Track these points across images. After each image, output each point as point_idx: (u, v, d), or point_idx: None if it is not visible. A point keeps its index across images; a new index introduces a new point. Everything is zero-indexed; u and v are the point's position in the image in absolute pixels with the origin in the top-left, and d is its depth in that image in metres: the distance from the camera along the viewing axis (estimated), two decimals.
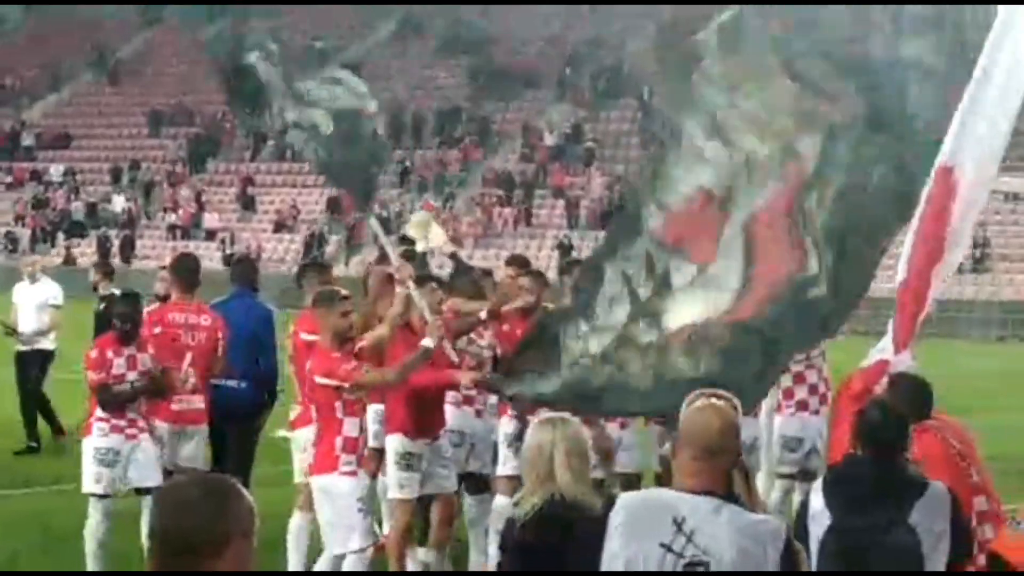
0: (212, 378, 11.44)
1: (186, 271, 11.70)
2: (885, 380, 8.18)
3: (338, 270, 36.18)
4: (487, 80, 63.11)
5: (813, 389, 12.00)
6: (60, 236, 59.83)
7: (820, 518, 6.27)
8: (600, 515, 6.09)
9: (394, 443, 10.55)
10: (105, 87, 71.44)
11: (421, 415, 10.49)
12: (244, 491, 3.91)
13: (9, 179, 64.54)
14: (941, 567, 6.22)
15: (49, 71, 71.60)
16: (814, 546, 6.28)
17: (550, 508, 6.02)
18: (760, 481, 12.22)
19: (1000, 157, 8.63)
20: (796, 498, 11.28)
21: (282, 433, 12.41)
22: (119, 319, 10.90)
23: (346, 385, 9.58)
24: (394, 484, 10.49)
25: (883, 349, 8.50)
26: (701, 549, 5.01)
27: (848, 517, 6.19)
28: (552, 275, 41.63)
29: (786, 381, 12.02)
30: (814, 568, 6.28)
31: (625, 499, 5.33)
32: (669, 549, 5.03)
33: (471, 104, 62.57)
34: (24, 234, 60.15)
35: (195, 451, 11.28)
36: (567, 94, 61.92)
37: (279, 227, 57.25)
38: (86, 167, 64.77)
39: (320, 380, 9.66)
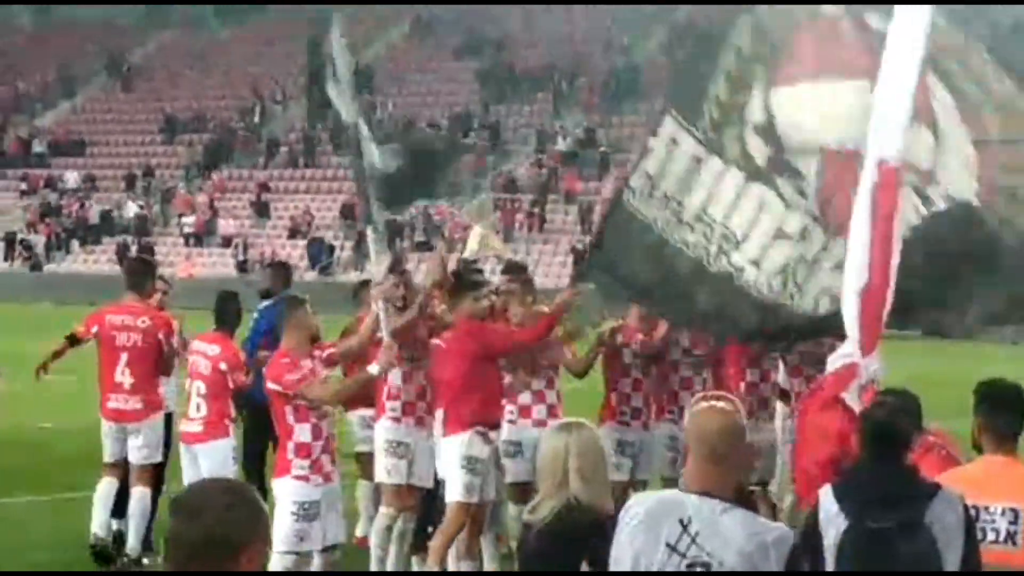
0: (164, 375, 12.00)
1: (129, 273, 12.27)
2: (855, 391, 8.21)
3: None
4: (498, 84, 63.20)
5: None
6: (75, 243, 59.96)
7: (835, 521, 6.26)
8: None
9: (459, 446, 10.60)
10: (118, 93, 71.62)
11: (488, 412, 10.66)
12: (258, 498, 3.94)
13: (23, 186, 64.67)
14: (954, 571, 6.21)
15: (62, 77, 71.81)
16: (829, 551, 6.27)
17: (566, 513, 6.03)
18: (775, 486, 12.26)
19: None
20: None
21: None
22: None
23: (290, 393, 9.80)
24: (461, 488, 10.52)
25: (848, 354, 8.47)
26: (705, 551, 5.05)
27: (865, 519, 6.17)
28: (566, 281, 40.99)
29: (800, 387, 12.10)
30: (830, 567, 6.28)
31: (640, 497, 5.40)
32: (674, 549, 5.08)
33: (482, 109, 62.64)
34: (39, 241, 60.28)
35: (142, 445, 11.73)
36: (578, 98, 61.95)
37: (293, 233, 57.35)
38: (99, 174, 64.89)
39: (270, 385, 9.87)
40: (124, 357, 11.61)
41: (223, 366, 11.31)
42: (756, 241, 9.00)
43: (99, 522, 11.56)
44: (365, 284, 13.00)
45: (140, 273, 12.13)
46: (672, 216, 9.04)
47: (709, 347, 11.81)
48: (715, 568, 5.04)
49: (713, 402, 5.41)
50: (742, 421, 5.39)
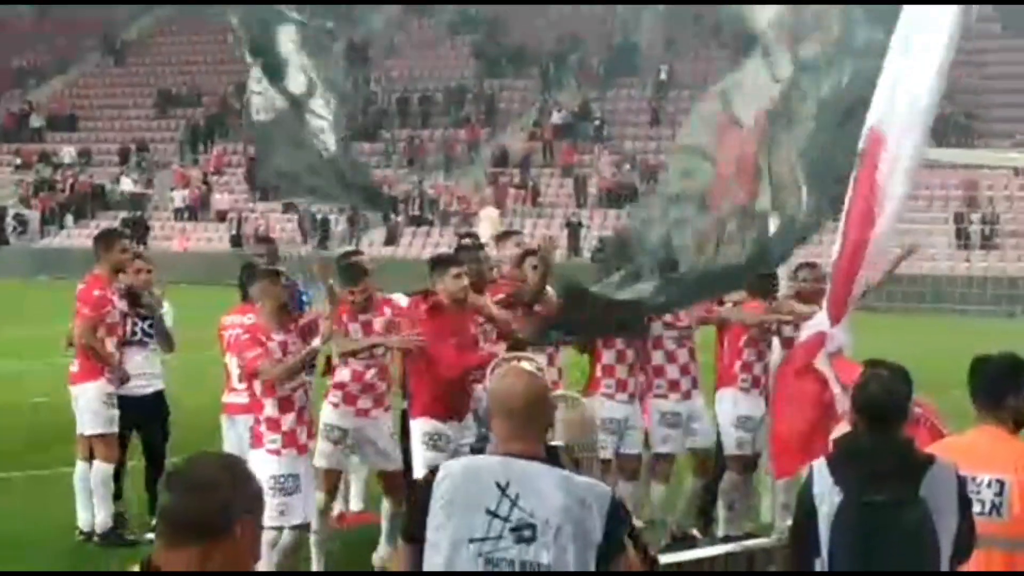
0: (78, 345, 11.84)
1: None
2: (824, 359, 8.23)
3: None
4: (493, 58, 63.10)
5: None
6: (70, 218, 59.87)
7: (830, 495, 6.27)
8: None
9: (421, 425, 10.66)
10: (112, 68, 71.45)
11: (448, 398, 10.61)
12: (251, 472, 3.95)
13: (18, 161, 64.56)
14: (949, 543, 6.23)
15: (56, 52, 71.60)
16: (823, 524, 6.29)
17: None
18: (765, 458, 12.30)
19: (926, 130, 8.65)
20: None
21: None
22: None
23: (248, 370, 9.98)
24: (420, 465, 10.50)
25: (819, 323, 8.52)
26: (527, 512, 5.05)
27: (861, 494, 6.18)
28: (561, 253, 40.90)
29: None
30: (824, 544, 6.31)
31: (448, 467, 5.30)
32: (495, 515, 5.06)
33: (477, 83, 62.55)
34: (34, 216, 60.19)
35: (78, 411, 11.79)
36: (575, 72, 61.87)
37: (288, 207, 57.28)
38: (94, 148, 64.80)
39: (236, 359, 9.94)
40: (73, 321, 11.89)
41: None
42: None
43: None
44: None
45: (101, 244, 12.15)
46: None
47: (691, 318, 11.78)
48: (539, 528, 5.03)
49: (514, 363, 5.45)
50: (544, 379, 5.39)
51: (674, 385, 11.83)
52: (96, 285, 11.79)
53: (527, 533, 5.03)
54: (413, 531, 5.21)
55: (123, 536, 11.64)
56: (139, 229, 55.86)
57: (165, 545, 3.82)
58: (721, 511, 11.95)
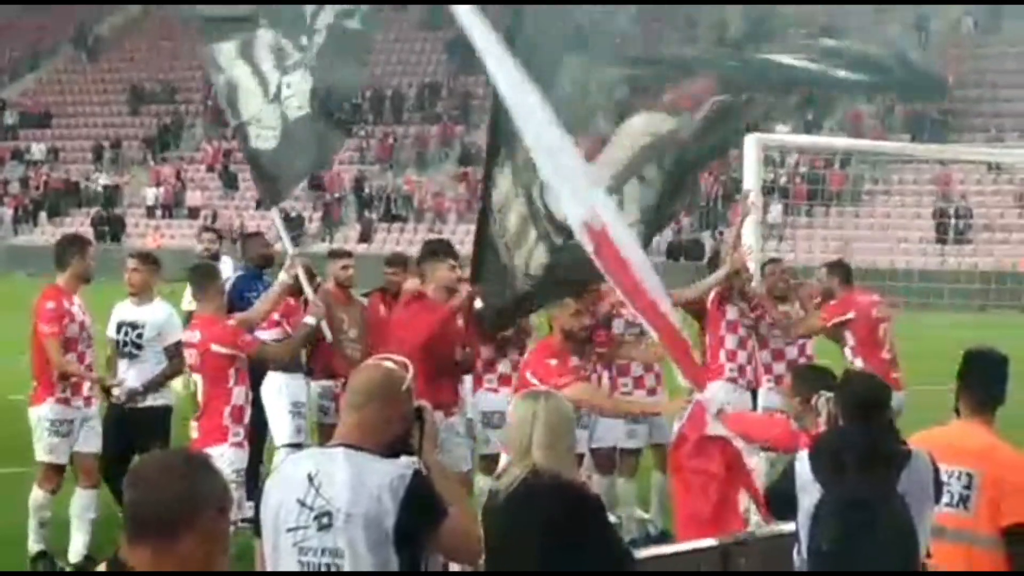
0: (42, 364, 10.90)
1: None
2: (714, 422, 8.21)
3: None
4: (467, 54, 63.09)
5: (792, 366, 12.26)
6: (43, 215, 59.67)
7: (809, 489, 6.31)
8: (586, 492, 6.14)
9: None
10: (84, 65, 71.18)
11: (433, 391, 10.46)
12: (215, 466, 3.93)
13: None
14: (927, 536, 6.27)
15: (29, 48, 71.30)
16: (803, 516, 6.32)
17: (530, 481, 6.01)
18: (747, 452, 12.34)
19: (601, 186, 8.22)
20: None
21: None
22: None
23: (242, 354, 9.97)
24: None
25: (689, 401, 8.52)
26: (326, 498, 5.18)
27: (839, 488, 6.21)
28: None
29: (765, 358, 12.25)
30: (803, 540, 6.34)
31: (280, 463, 5.70)
32: (303, 504, 5.21)
33: (451, 79, 62.50)
34: (6, 213, 59.96)
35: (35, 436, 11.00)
36: None
37: (260, 203, 57.13)
38: (66, 145, 64.57)
39: (217, 348, 9.90)
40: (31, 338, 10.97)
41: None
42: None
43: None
44: (333, 255, 13.03)
45: (57, 247, 11.21)
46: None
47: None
48: (335, 514, 5.15)
49: (380, 361, 5.55)
50: (398, 378, 5.40)
51: (639, 381, 11.86)
52: (54, 296, 10.85)
53: (325, 520, 5.17)
54: (257, 526, 5.41)
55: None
56: (115, 226, 55.80)
57: (127, 540, 3.81)
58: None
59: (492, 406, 11.30)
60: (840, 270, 12.97)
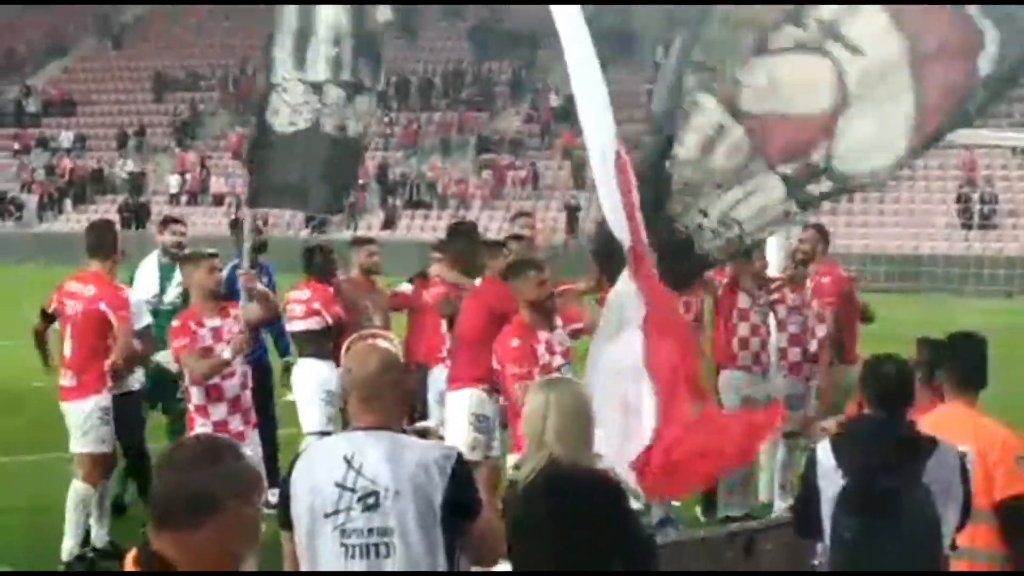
0: (113, 359, 10.66)
1: (88, 235, 11.12)
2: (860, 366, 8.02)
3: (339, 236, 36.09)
4: (490, 41, 63.01)
5: (806, 353, 12.29)
6: (68, 203, 59.86)
7: (832, 477, 6.28)
8: (610, 481, 6.11)
9: (466, 401, 10.57)
10: (109, 52, 71.35)
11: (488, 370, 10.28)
12: (242, 453, 3.88)
13: (16, 145, 64.52)
14: (952, 528, 6.25)
15: (53, 36, 71.49)
16: (826, 507, 6.30)
17: (548, 471, 5.97)
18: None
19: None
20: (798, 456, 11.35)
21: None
22: None
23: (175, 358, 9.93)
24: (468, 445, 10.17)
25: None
26: (369, 478, 5.20)
27: (863, 477, 6.18)
28: (560, 237, 40.96)
29: (781, 342, 12.23)
30: (826, 528, 6.32)
31: (305, 450, 5.65)
32: (343, 486, 5.23)
33: (474, 66, 62.48)
34: (31, 200, 60.17)
35: (73, 430, 10.64)
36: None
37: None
38: (91, 133, 64.75)
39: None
40: (69, 328, 10.69)
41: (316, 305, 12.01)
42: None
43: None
44: (357, 242, 13.04)
45: (96, 235, 11.03)
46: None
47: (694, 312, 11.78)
48: (382, 493, 5.19)
49: (370, 341, 5.61)
50: (395, 352, 5.55)
51: None
52: (118, 286, 10.84)
53: (371, 500, 5.20)
54: (282, 518, 5.39)
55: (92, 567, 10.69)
56: (140, 214, 55.94)
57: (152, 529, 3.80)
58: (721, 493, 11.95)
59: None
60: (823, 234, 12.99)
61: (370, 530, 5.19)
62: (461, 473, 5.27)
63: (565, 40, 8.14)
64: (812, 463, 6.45)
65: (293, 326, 12.18)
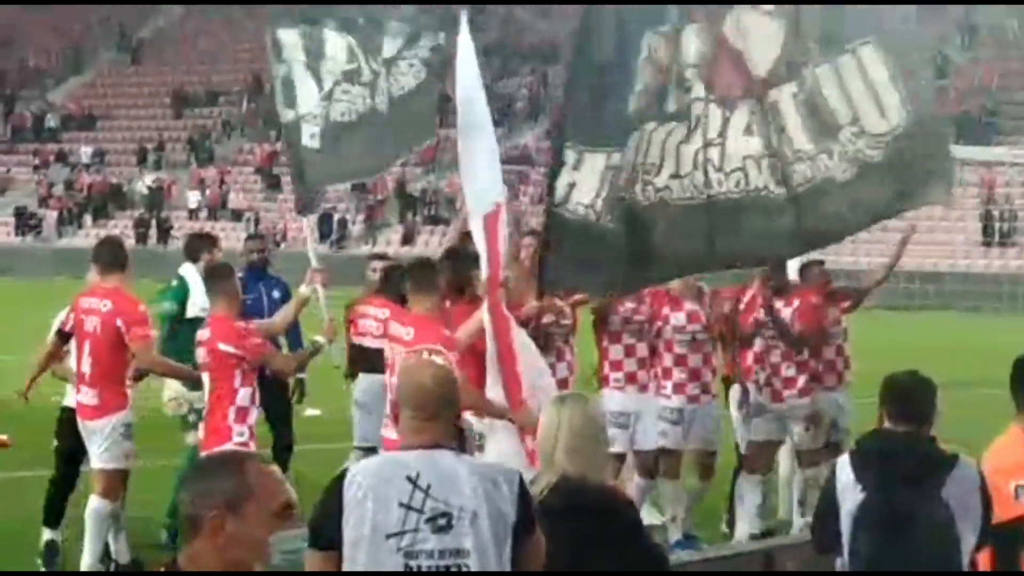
0: (129, 371, 10.61)
1: (101, 249, 11.08)
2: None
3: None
4: (506, 57, 63.14)
5: (829, 365, 12.10)
6: (87, 218, 60.05)
7: (851, 492, 6.26)
8: (622, 499, 6.10)
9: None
10: (128, 68, 71.63)
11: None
12: (245, 468, 3.89)
13: (35, 160, 64.77)
14: (971, 544, 6.23)
15: (72, 52, 71.78)
16: (845, 521, 6.28)
17: (560, 488, 5.95)
18: (783, 455, 12.25)
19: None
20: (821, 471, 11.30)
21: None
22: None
23: (248, 357, 9.86)
24: None
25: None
26: (441, 501, 5.13)
27: (882, 492, 6.17)
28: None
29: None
30: (845, 543, 6.30)
31: (358, 468, 5.36)
32: (409, 507, 5.13)
33: (491, 81, 62.58)
34: (51, 215, 60.37)
35: (98, 447, 10.49)
36: None
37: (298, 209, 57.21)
38: (110, 148, 64.97)
39: (225, 348, 9.85)
40: (87, 344, 10.54)
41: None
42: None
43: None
44: (375, 258, 13.05)
45: (110, 250, 10.96)
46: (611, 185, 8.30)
47: (704, 323, 11.60)
48: (455, 514, 5.12)
49: (424, 356, 5.66)
50: (450, 369, 5.55)
51: (631, 377, 11.52)
52: (136, 299, 10.68)
53: (442, 522, 5.12)
54: (323, 537, 5.16)
55: None
56: (162, 229, 56.08)
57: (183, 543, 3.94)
58: (739, 510, 11.89)
59: (618, 406, 11.21)
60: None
61: (442, 551, 5.12)
62: (526, 492, 5.26)
63: (460, 86, 8.38)
64: (832, 477, 6.44)
65: (364, 341, 11.77)
